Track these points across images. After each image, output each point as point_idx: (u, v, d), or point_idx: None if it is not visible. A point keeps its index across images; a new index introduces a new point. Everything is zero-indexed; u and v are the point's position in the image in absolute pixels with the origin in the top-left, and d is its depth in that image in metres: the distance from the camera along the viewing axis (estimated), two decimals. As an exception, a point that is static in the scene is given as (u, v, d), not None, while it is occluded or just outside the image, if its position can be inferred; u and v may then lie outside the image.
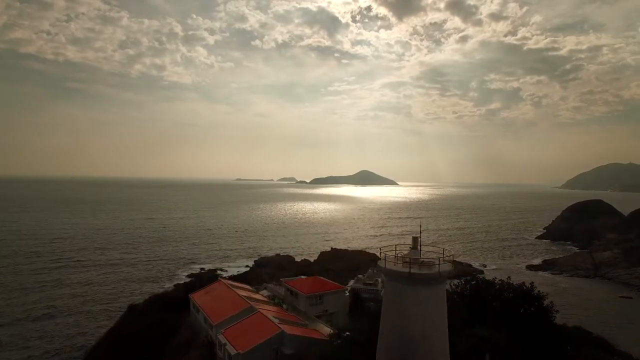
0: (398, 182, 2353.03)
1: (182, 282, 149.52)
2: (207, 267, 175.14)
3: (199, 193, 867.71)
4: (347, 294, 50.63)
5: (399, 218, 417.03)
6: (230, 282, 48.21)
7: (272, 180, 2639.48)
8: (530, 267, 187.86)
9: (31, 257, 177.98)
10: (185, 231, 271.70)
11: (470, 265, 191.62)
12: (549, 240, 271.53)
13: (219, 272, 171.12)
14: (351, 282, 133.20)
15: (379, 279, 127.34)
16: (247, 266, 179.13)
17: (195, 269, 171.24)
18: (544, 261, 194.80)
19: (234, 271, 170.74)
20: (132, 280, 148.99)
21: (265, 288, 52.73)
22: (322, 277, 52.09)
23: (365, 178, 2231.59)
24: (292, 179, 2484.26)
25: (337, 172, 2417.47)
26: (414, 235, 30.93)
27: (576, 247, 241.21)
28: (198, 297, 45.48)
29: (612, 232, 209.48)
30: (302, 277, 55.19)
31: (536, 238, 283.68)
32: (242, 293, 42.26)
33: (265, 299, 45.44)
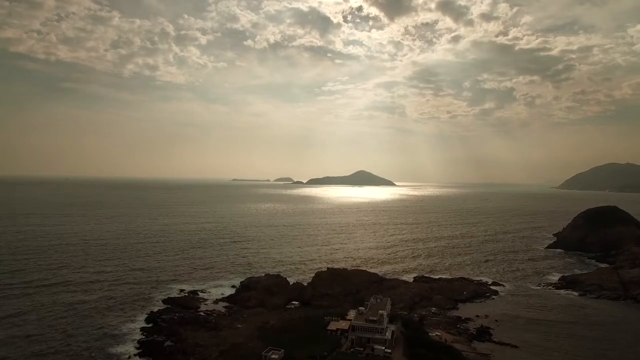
0: (395, 182, 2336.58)
1: (156, 309, 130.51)
2: (187, 288, 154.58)
3: (193, 195, 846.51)
4: None
5: (400, 225, 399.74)
6: None
7: (268, 180, 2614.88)
8: (550, 286, 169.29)
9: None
10: (170, 241, 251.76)
11: (482, 284, 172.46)
12: (561, 251, 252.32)
13: (199, 293, 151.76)
14: (352, 314, 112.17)
15: (384, 312, 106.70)
16: (233, 286, 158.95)
17: (174, 290, 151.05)
18: (564, 278, 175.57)
19: (217, 294, 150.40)
20: (94, 308, 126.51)
21: None
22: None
23: (362, 178, 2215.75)
24: (288, 179, 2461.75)
25: (333, 173, 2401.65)
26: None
27: (594, 260, 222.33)
28: None
29: (636, 244, 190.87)
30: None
31: (547, 247, 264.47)
32: None
33: None
